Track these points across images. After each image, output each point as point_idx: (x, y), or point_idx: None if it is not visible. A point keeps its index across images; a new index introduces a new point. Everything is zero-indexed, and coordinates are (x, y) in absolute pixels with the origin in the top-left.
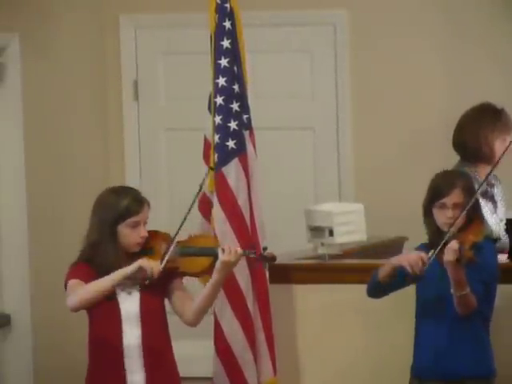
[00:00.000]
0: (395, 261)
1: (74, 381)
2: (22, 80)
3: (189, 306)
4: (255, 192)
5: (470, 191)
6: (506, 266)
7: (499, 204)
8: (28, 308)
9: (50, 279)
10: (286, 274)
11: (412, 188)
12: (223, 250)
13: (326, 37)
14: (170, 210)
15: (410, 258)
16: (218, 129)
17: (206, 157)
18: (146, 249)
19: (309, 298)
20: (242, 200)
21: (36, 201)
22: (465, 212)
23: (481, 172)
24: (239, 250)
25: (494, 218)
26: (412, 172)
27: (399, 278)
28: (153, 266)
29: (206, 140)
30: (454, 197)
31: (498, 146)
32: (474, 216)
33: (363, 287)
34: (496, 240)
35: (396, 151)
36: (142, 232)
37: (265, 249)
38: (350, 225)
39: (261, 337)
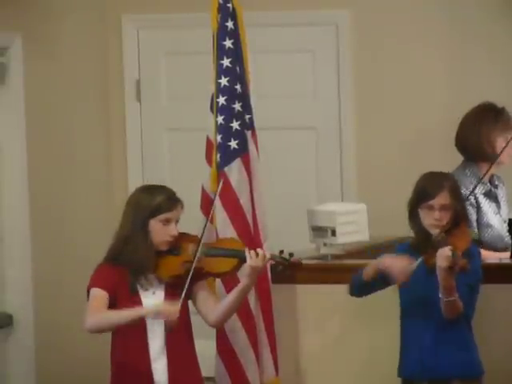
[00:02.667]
0: (382, 264)
1: (76, 380)
2: (25, 80)
3: (212, 307)
4: (257, 192)
5: (456, 193)
6: (506, 266)
7: (502, 204)
8: (30, 308)
9: (52, 279)
10: (289, 273)
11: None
12: (250, 254)
13: (329, 37)
14: None
15: (398, 266)
16: (220, 129)
17: (209, 157)
18: (174, 248)
19: (311, 298)
20: (244, 200)
21: (38, 201)
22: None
23: (483, 171)
24: (267, 255)
25: (497, 219)
26: (414, 172)
27: (384, 280)
28: (171, 311)
29: (208, 140)
30: (442, 198)
31: (500, 145)
32: (462, 219)
33: None
34: (477, 241)
35: (398, 151)
36: (173, 230)
37: (291, 254)
38: (353, 225)
39: (263, 337)
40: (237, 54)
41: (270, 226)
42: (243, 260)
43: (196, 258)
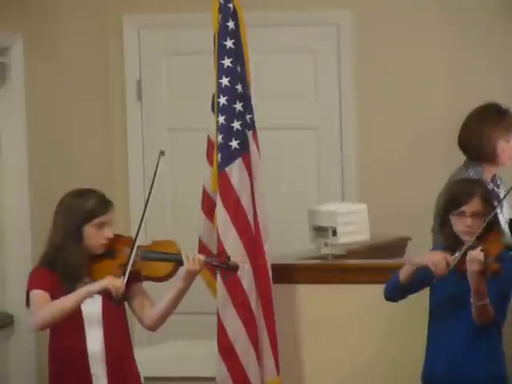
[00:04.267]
0: (417, 260)
1: None
2: (26, 80)
3: (148, 310)
4: (258, 192)
5: (488, 200)
6: None
7: (504, 204)
8: None
9: None
10: (290, 273)
11: (415, 188)
12: (187, 258)
13: (330, 37)
14: (172, 209)
15: (434, 257)
16: (221, 129)
17: (209, 157)
18: (109, 251)
19: (312, 298)
20: (245, 200)
21: (39, 201)
22: (486, 221)
23: (485, 171)
24: (202, 258)
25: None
26: (415, 172)
27: (423, 278)
28: (117, 285)
29: (209, 140)
30: (474, 205)
31: (502, 147)
32: (493, 225)
33: (366, 287)
34: (509, 248)
35: (399, 151)
36: (107, 233)
37: (228, 257)
38: (354, 225)
39: (264, 337)
40: (238, 54)
41: (271, 226)
42: (180, 263)
43: (130, 262)
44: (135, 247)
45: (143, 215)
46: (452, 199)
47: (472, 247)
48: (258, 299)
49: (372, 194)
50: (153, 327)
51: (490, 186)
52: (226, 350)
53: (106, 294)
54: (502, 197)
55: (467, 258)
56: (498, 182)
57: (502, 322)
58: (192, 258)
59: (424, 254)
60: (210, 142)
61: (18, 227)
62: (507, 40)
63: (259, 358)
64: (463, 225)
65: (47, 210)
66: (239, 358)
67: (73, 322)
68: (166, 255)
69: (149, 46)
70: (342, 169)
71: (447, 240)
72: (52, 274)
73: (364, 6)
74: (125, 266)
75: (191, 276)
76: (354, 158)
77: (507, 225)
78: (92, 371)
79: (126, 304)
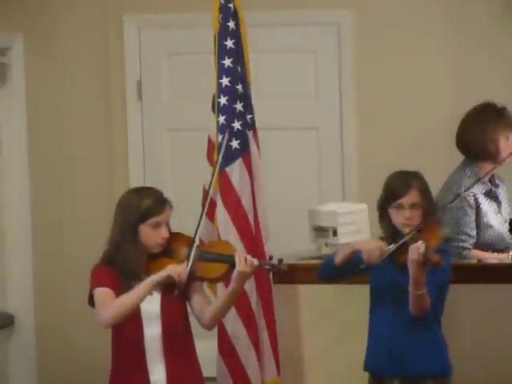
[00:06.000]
0: (354, 244)
1: (77, 381)
2: (26, 80)
3: (207, 310)
4: (259, 192)
5: (425, 191)
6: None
7: (504, 204)
8: (31, 309)
9: (53, 280)
10: (290, 274)
11: None
12: (240, 259)
13: (330, 37)
14: (173, 209)
15: (370, 245)
16: (221, 129)
17: (210, 157)
18: (167, 250)
19: (312, 298)
20: (245, 200)
21: (40, 201)
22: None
23: (484, 170)
24: (255, 262)
25: (497, 219)
26: None
27: (355, 264)
28: (179, 272)
29: (209, 140)
30: (412, 197)
31: (503, 144)
32: (432, 217)
33: (366, 287)
34: (448, 240)
35: (399, 151)
36: (164, 233)
37: (280, 261)
38: (354, 225)
39: (264, 337)
40: (238, 54)
41: (271, 226)
42: (233, 265)
43: (191, 261)
44: (195, 247)
45: (202, 214)
46: (390, 192)
47: (411, 239)
48: (259, 299)
49: (372, 194)
50: (209, 326)
51: (488, 185)
52: (227, 350)
53: (169, 282)
54: (502, 195)
55: (409, 248)
56: (497, 182)
57: (441, 311)
58: (244, 259)
59: (364, 240)
60: (210, 142)
61: (19, 228)
62: (508, 39)
63: (259, 358)
64: (402, 217)
65: (48, 210)
66: (239, 358)
67: (132, 318)
68: (221, 256)
69: (149, 45)
70: (343, 169)
71: (386, 232)
72: (112, 272)
73: (364, 6)
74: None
75: (242, 278)
76: (354, 157)
77: (507, 224)
78: (148, 367)
79: (186, 303)
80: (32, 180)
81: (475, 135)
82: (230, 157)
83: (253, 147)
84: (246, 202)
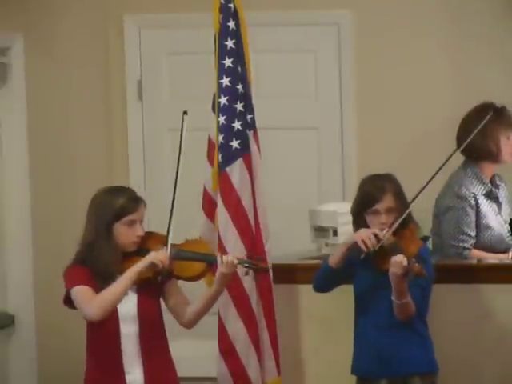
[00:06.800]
0: (347, 239)
1: (78, 381)
2: (26, 80)
3: (184, 308)
4: (259, 192)
5: (400, 193)
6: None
7: (504, 204)
8: (32, 308)
9: (53, 280)
10: (290, 274)
11: (415, 188)
12: (222, 260)
13: (330, 37)
14: (173, 209)
15: (363, 234)
16: (221, 129)
17: (210, 157)
18: (141, 249)
19: (313, 298)
20: (245, 200)
21: (40, 201)
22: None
23: (485, 171)
24: (235, 261)
25: (497, 220)
26: (415, 172)
27: (353, 258)
28: (161, 258)
29: (209, 140)
30: (387, 202)
31: (503, 144)
32: (409, 219)
33: None
34: (425, 238)
35: (400, 151)
36: (139, 231)
37: (259, 259)
38: None
39: (265, 337)
40: (238, 54)
41: (272, 226)
42: (211, 264)
43: (169, 244)
44: (169, 247)
45: (173, 201)
46: (364, 197)
47: (391, 246)
48: (259, 299)
49: None
50: (188, 326)
51: (489, 186)
52: (227, 350)
53: (153, 270)
54: (503, 196)
55: (391, 261)
56: (498, 182)
57: (425, 311)
58: (226, 261)
59: (355, 233)
60: (210, 142)
61: (19, 228)
62: (508, 40)
63: (260, 358)
64: (378, 222)
65: (48, 209)
66: (240, 358)
67: (108, 319)
68: (198, 255)
69: (149, 45)
70: (343, 169)
71: None
72: (87, 271)
73: (364, 6)
74: None
75: (224, 278)
76: (354, 157)
77: (508, 225)
78: (125, 368)
79: (161, 302)
80: (32, 180)
81: (476, 135)
82: (230, 157)
83: (253, 147)
84: (247, 202)
